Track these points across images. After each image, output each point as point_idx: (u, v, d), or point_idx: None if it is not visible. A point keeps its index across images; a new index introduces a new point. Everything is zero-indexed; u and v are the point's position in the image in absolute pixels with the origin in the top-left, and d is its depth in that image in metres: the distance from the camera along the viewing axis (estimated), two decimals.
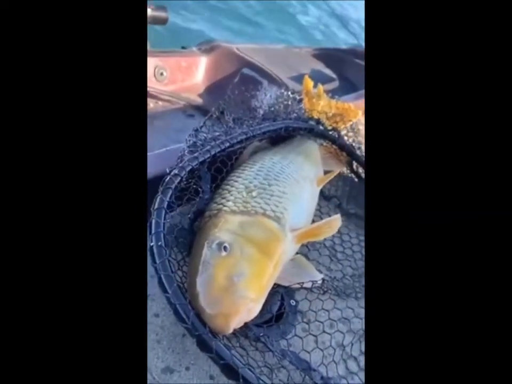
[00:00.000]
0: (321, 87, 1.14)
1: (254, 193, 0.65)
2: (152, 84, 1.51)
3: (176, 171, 0.62)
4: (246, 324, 0.55)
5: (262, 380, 0.47)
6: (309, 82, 1.13)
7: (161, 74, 1.56)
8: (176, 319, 0.49)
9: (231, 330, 0.50)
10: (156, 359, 0.51)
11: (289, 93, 1.12)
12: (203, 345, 0.47)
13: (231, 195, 0.65)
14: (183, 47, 1.74)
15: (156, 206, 0.56)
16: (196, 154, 0.67)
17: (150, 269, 0.58)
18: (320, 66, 2.15)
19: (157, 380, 0.49)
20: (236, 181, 0.69)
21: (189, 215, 0.63)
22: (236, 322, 0.49)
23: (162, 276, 0.49)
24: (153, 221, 0.54)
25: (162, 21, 1.47)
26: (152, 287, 0.56)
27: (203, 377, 0.51)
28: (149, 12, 1.39)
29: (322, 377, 0.56)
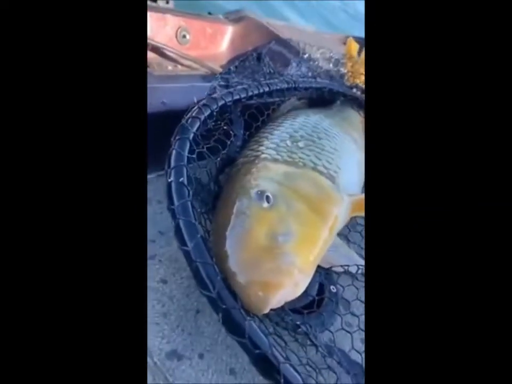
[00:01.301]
0: None
1: (300, 144, 0.51)
2: (173, 45, 1.37)
3: (205, 101, 0.48)
4: (283, 305, 0.41)
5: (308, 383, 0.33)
6: (354, 45, 1.00)
7: (184, 36, 1.42)
8: (196, 286, 0.34)
9: (269, 308, 0.35)
10: (159, 339, 0.37)
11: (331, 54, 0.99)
12: (231, 325, 0.33)
13: (272, 143, 0.51)
14: (209, 13, 1.61)
15: (179, 136, 0.41)
16: (230, 90, 0.53)
17: (160, 223, 0.44)
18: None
19: (159, 365, 0.35)
20: (277, 130, 0.55)
21: (216, 162, 0.49)
22: (278, 298, 0.35)
23: (181, 223, 0.35)
24: (174, 152, 0.39)
25: None
26: (160, 247, 0.43)
27: (221, 369, 0.37)
28: None
29: None
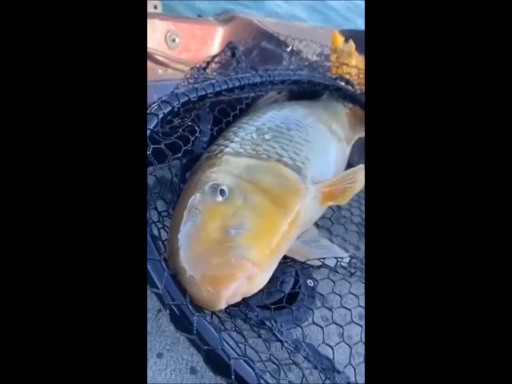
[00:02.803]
0: (352, 44, 0.99)
1: (267, 136, 0.50)
2: (162, 49, 1.38)
3: (166, 98, 0.47)
4: (246, 301, 0.40)
5: (264, 379, 0.32)
6: (338, 38, 0.98)
7: (173, 40, 1.43)
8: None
9: (223, 305, 0.34)
10: None
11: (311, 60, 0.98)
12: (179, 322, 0.32)
13: (237, 136, 0.50)
14: (199, 15, 1.62)
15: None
16: (196, 86, 0.52)
17: None
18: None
19: None
20: (246, 123, 0.54)
21: (180, 159, 0.48)
22: (231, 293, 0.34)
23: None
24: None
25: None
26: None
27: (181, 368, 0.36)
28: None
29: (349, 383, 0.40)
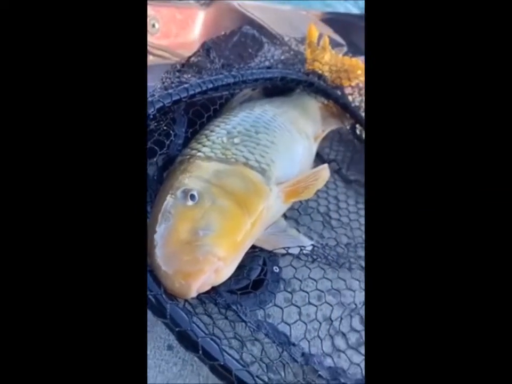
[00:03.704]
0: (327, 39, 1.02)
1: (236, 140, 0.55)
2: None
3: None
4: (215, 288, 0.46)
5: (228, 353, 0.39)
6: (314, 32, 1.01)
7: (153, 26, 1.42)
8: None
9: (193, 294, 0.41)
10: None
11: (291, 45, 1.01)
12: (155, 309, 0.38)
13: (209, 140, 0.55)
14: None
15: None
16: (170, 91, 0.56)
17: None
18: (328, 31, 1.99)
19: None
20: (217, 126, 0.59)
21: (157, 162, 0.54)
22: (199, 284, 0.40)
23: None
24: None
25: None
26: None
27: (160, 346, 0.43)
28: None
29: (303, 354, 0.48)
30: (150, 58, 1.40)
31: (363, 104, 0.98)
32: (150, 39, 1.40)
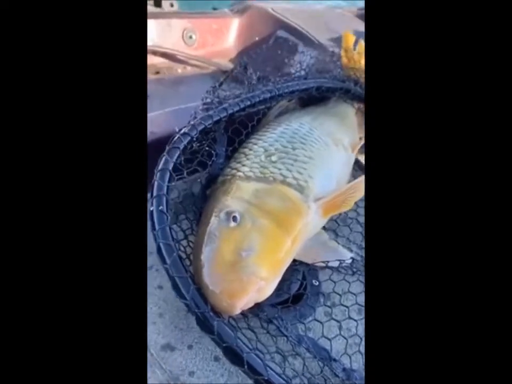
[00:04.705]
0: (362, 44, 1.00)
1: (274, 158, 0.57)
2: (180, 48, 1.43)
3: (186, 130, 0.55)
4: (258, 304, 0.49)
5: (271, 368, 0.41)
6: (350, 38, 1.00)
7: (190, 37, 1.47)
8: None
9: (237, 311, 0.43)
10: (156, 335, 0.47)
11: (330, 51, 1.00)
12: (203, 325, 0.41)
13: (248, 159, 0.57)
14: (214, 8, 1.64)
15: (160, 166, 0.49)
16: (210, 113, 0.59)
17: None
18: (363, 27, 1.94)
19: (155, 357, 0.45)
20: (255, 144, 0.61)
21: (200, 181, 0.57)
22: (243, 303, 0.43)
23: (161, 245, 0.43)
24: (155, 183, 0.47)
25: None
26: (157, 258, 0.51)
27: (207, 357, 0.46)
28: None
29: (344, 369, 0.49)
30: (188, 69, 1.46)
31: None
32: (188, 50, 1.46)
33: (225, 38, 1.60)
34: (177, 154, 0.52)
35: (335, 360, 0.49)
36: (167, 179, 0.48)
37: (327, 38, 1.59)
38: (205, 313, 0.41)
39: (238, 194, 0.50)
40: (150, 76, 1.33)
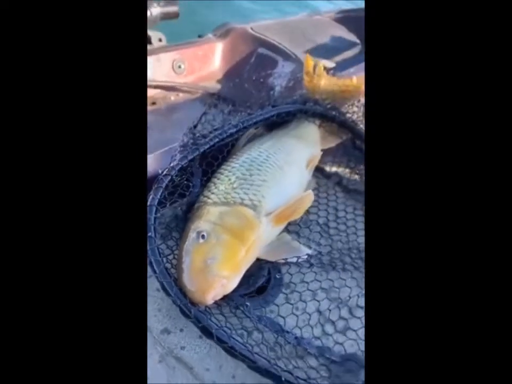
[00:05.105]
0: (321, 66, 1.15)
1: (235, 185, 0.75)
2: (171, 78, 1.62)
3: (166, 171, 0.73)
4: (227, 295, 0.67)
5: (234, 339, 0.59)
6: (309, 62, 1.15)
7: (179, 67, 1.65)
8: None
9: (209, 302, 0.62)
10: (156, 323, 0.66)
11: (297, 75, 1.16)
12: (185, 313, 0.60)
13: (216, 187, 0.75)
14: (199, 36, 1.80)
15: (148, 203, 0.68)
16: (185, 154, 0.78)
17: None
18: (342, 32, 2.07)
19: (157, 338, 0.64)
20: (222, 174, 0.79)
21: (181, 208, 0.76)
22: (212, 296, 0.61)
23: (152, 260, 0.62)
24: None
25: (174, 15, 1.55)
26: None
27: (193, 336, 0.65)
28: (159, 8, 1.48)
29: (296, 338, 0.66)
30: (180, 96, 1.64)
31: (361, 119, 1.11)
32: (178, 79, 1.65)
33: (211, 62, 1.77)
34: (160, 192, 0.70)
35: (287, 332, 0.67)
36: (153, 212, 0.67)
37: (303, 50, 1.74)
38: (185, 305, 0.60)
39: (207, 217, 0.69)
40: (148, 107, 1.53)
